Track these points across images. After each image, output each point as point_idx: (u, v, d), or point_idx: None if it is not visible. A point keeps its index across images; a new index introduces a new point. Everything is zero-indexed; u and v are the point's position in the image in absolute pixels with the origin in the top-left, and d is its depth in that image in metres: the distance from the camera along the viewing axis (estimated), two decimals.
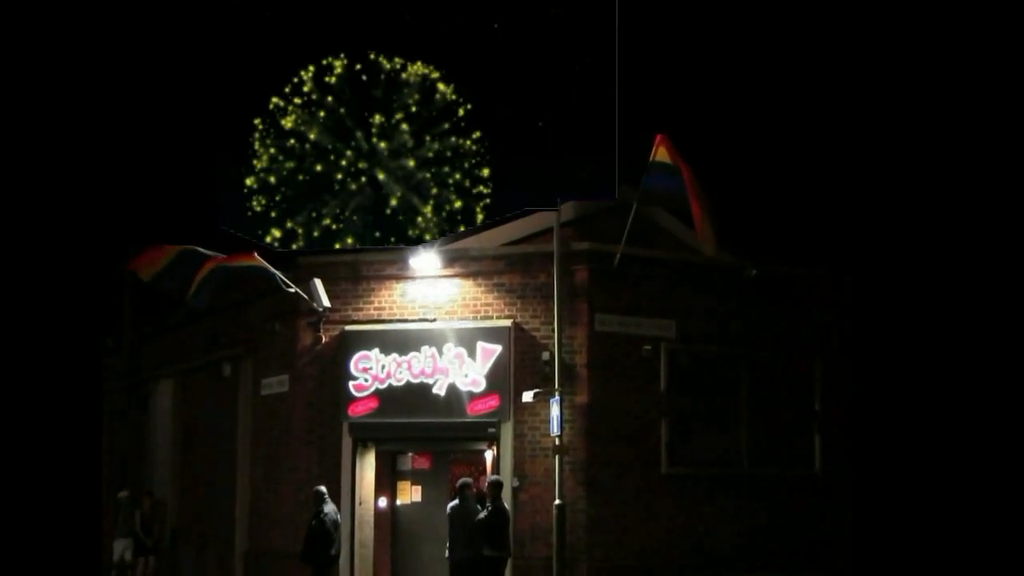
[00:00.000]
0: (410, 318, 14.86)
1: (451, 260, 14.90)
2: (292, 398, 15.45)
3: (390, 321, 14.91)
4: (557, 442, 13.89)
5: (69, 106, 7.43)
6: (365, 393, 14.69)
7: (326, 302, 14.93)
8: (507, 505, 13.80)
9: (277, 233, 24.17)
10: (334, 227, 22.81)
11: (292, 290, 14.74)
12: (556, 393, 13.93)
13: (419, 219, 22.81)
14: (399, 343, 14.69)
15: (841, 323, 15.93)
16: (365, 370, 14.71)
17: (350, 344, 14.83)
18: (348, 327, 14.95)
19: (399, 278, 15.01)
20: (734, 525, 14.87)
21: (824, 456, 15.66)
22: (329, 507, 13.87)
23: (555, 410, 13.82)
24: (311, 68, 24.67)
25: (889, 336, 7.81)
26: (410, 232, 23.64)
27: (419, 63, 23.97)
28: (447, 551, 13.57)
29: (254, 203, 21.87)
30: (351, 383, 14.72)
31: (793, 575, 14.97)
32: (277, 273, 14.57)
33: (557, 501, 13.86)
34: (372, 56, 23.54)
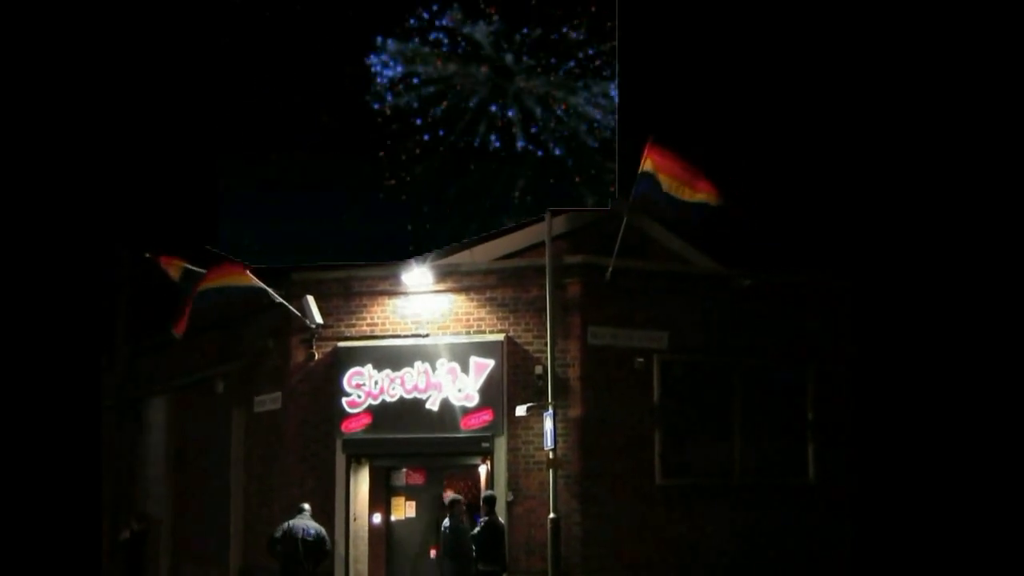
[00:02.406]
0: (403, 334, 14.87)
1: (443, 275, 14.91)
2: (285, 415, 15.43)
3: (383, 337, 14.91)
4: (551, 456, 13.89)
5: (63, 135, 7.42)
6: (358, 409, 14.68)
7: (319, 319, 14.93)
8: (502, 519, 13.81)
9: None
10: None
11: (284, 306, 14.74)
12: (549, 407, 13.94)
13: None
14: (392, 359, 14.69)
15: (834, 331, 15.97)
16: (358, 386, 14.71)
17: (343, 360, 14.83)
18: (341, 343, 14.95)
19: (391, 294, 15.02)
20: (728, 535, 14.86)
21: (818, 465, 15.66)
22: (292, 521, 13.75)
23: (548, 424, 13.82)
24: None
25: (884, 343, 7.83)
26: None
27: None
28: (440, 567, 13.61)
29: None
30: (344, 399, 14.72)
31: None
32: (269, 289, 14.56)
33: (552, 515, 13.85)
34: None
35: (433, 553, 15.08)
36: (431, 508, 15.54)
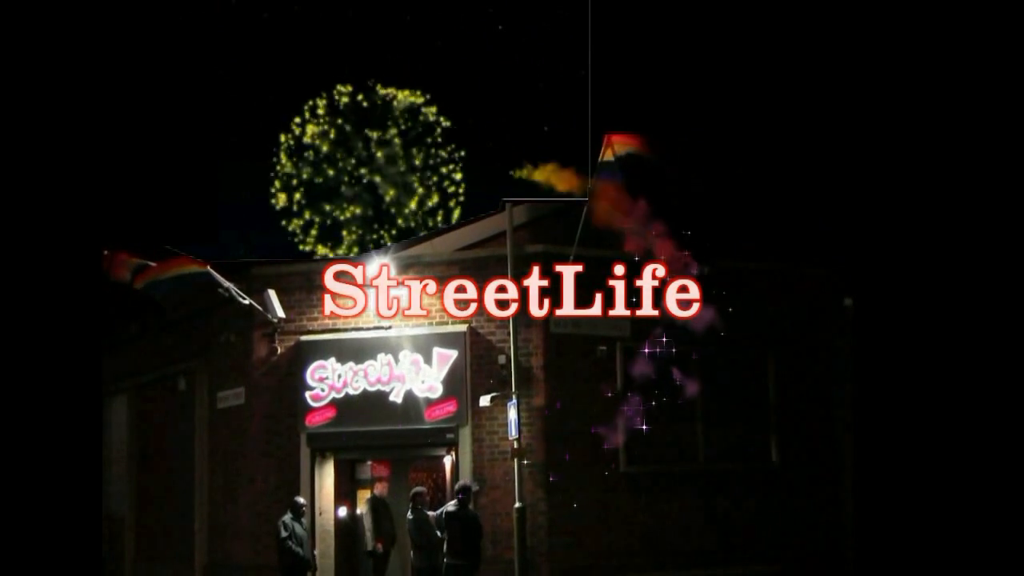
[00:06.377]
0: (365, 326, 14.83)
1: (405, 266, 14.88)
2: (249, 410, 15.35)
3: (345, 330, 14.87)
4: (515, 445, 13.93)
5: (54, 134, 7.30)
6: (322, 403, 14.63)
7: (280, 313, 14.85)
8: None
9: (297, 223, 30.77)
10: (342, 216, 30.54)
11: (247, 302, 14.64)
12: (513, 396, 13.98)
13: (406, 210, 30.54)
14: (355, 351, 14.65)
15: (793, 315, 16.12)
16: (321, 380, 14.66)
17: (306, 354, 14.76)
18: (303, 337, 14.89)
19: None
20: (693, 521, 14.99)
21: (780, 449, 15.83)
22: (284, 517, 13.87)
23: (512, 413, 13.85)
24: (324, 95, 31.14)
25: (854, 328, 7.82)
26: (400, 223, 30.35)
27: (406, 91, 31.36)
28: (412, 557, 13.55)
29: (280, 198, 30.93)
30: (308, 393, 14.66)
31: (753, 568, 15.13)
32: (231, 285, 14.39)
33: (517, 504, 13.90)
34: (371, 83, 31.26)
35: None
36: (397, 500, 15.52)
